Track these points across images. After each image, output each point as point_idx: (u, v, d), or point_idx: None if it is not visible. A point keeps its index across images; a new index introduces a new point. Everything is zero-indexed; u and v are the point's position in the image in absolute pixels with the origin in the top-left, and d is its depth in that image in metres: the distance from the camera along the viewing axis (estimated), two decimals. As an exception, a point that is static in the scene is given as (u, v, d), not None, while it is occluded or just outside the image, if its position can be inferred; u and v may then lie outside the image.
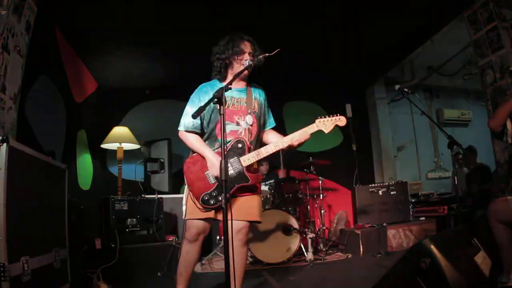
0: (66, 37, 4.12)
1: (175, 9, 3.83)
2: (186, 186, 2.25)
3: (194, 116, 1.87)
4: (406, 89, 2.68)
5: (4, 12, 2.53)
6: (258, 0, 3.81)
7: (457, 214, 4.46)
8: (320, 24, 4.30)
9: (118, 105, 5.85)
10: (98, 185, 5.11)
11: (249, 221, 2.23)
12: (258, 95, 2.37)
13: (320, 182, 4.89)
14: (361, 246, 4.47)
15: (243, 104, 2.26)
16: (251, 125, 2.26)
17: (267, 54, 2.10)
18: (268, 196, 4.61)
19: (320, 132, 2.24)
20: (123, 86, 5.63)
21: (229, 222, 1.72)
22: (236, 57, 2.22)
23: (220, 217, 2.15)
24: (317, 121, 2.22)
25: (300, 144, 2.22)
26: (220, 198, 2.12)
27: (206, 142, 2.26)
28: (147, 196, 4.05)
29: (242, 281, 2.24)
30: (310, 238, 4.23)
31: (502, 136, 2.41)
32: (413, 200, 5.31)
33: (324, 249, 4.53)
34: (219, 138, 2.19)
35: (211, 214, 2.17)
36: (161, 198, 4.08)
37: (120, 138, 4.80)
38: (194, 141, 2.23)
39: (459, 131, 6.61)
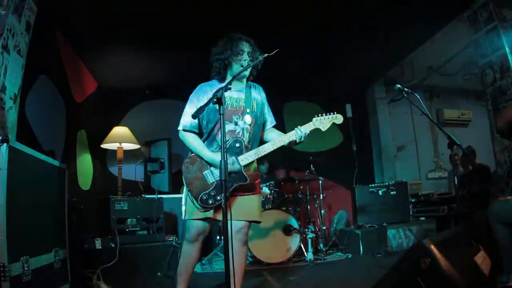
0: (66, 37, 4.12)
1: (175, 9, 3.83)
2: (185, 186, 2.26)
3: (193, 116, 1.87)
4: (406, 89, 2.68)
5: (4, 12, 2.53)
6: (258, 0, 3.81)
7: (457, 214, 4.46)
8: (320, 24, 4.30)
9: (118, 105, 5.84)
10: (98, 185, 5.11)
11: (249, 221, 2.23)
12: (257, 94, 2.38)
13: (320, 182, 4.89)
14: (361, 246, 4.48)
15: (241, 104, 2.27)
16: (250, 125, 2.26)
17: (266, 54, 2.10)
18: (268, 196, 4.61)
19: (319, 131, 2.26)
20: (123, 86, 5.63)
21: (229, 222, 1.72)
22: (235, 58, 2.23)
23: (219, 217, 2.15)
24: (314, 119, 2.26)
25: (301, 141, 2.23)
26: (218, 198, 2.12)
27: (205, 142, 2.27)
28: (147, 196, 4.05)
29: (242, 281, 2.24)
30: (310, 238, 4.23)
31: (510, 136, 2.42)
32: (413, 200, 5.31)
33: (324, 249, 4.53)
34: (218, 138, 2.19)
35: (210, 214, 2.17)
36: (161, 198, 4.08)
37: (120, 138, 4.80)
38: (192, 141, 2.24)
39: (459, 131, 6.60)
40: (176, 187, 5.13)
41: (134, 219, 3.79)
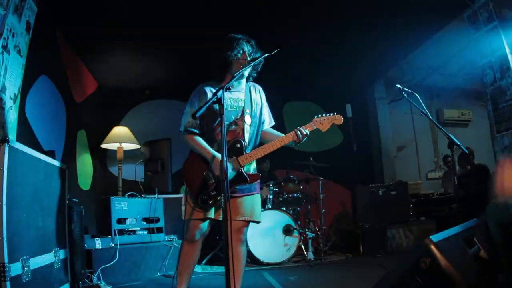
0: (66, 37, 4.12)
1: (176, 9, 3.83)
2: (185, 186, 2.26)
3: (194, 116, 1.87)
4: (406, 89, 2.68)
5: (4, 12, 2.53)
6: (258, 1, 3.81)
7: (457, 214, 4.46)
8: (320, 24, 4.30)
9: (118, 105, 5.84)
10: (98, 185, 5.11)
11: (249, 221, 2.23)
12: (256, 95, 2.38)
13: (320, 182, 4.89)
14: (361, 246, 4.48)
15: (241, 104, 2.27)
16: (249, 125, 2.26)
17: (266, 54, 2.10)
18: (268, 196, 4.61)
19: (319, 131, 2.25)
20: (123, 86, 5.63)
21: (229, 222, 1.72)
22: (235, 58, 2.22)
23: (219, 217, 2.15)
24: (314, 119, 2.25)
25: (300, 141, 2.22)
26: (218, 198, 2.12)
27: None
28: (147, 196, 4.05)
29: (241, 281, 2.24)
30: (310, 238, 4.23)
31: None
32: (413, 200, 5.31)
33: (324, 249, 4.53)
34: (218, 138, 2.19)
35: (210, 214, 2.17)
36: (161, 198, 4.08)
37: (120, 138, 4.80)
38: (193, 141, 2.23)
39: (459, 131, 6.60)
40: (176, 187, 5.12)
41: (134, 219, 3.79)
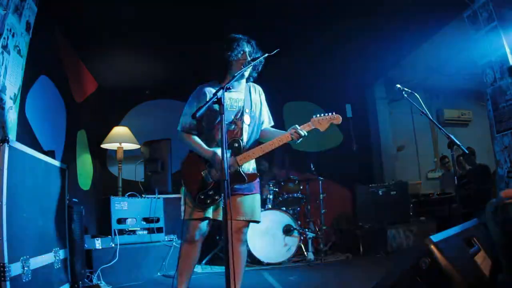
0: (66, 37, 4.12)
1: (176, 10, 3.83)
2: (183, 186, 2.25)
3: (194, 116, 1.86)
4: (406, 89, 2.68)
5: (4, 12, 2.53)
6: (258, 1, 3.81)
7: (457, 214, 4.46)
8: (320, 24, 4.30)
9: (118, 105, 5.84)
10: (98, 185, 5.11)
11: (248, 221, 2.23)
12: (256, 95, 2.38)
13: (320, 182, 4.89)
14: (361, 246, 4.47)
15: (240, 104, 2.27)
16: (248, 125, 2.26)
17: (266, 54, 2.10)
18: (268, 196, 4.61)
19: (319, 131, 2.25)
20: (123, 86, 5.62)
21: (229, 222, 1.72)
22: (235, 58, 2.22)
23: (219, 217, 2.15)
24: (312, 119, 2.24)
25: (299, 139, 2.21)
26: (216, 197, 2.12)
27: (204, 142, 2.26)
28: (147, 196, 4.05)
29: (241, 281, 2.24)
30: (310, 238, 4.23)
31: None
32: (413, 200, 5.31)
33: (324, 249, 4.53)
34: (217, 138, 2.19)
35: (209, 214, 2.17)
36: (161, 198, 4.08)
37: (120, 138, 4.80)
38: (191, 141, 2.23)
39: (459, 131, 6.61)
40: (176, 187, 5.12)
41: (134, 219, 3.79)
